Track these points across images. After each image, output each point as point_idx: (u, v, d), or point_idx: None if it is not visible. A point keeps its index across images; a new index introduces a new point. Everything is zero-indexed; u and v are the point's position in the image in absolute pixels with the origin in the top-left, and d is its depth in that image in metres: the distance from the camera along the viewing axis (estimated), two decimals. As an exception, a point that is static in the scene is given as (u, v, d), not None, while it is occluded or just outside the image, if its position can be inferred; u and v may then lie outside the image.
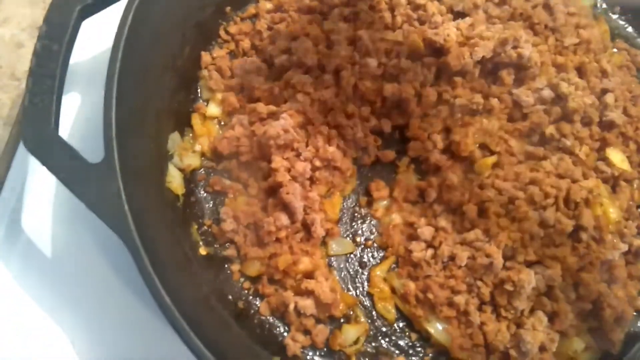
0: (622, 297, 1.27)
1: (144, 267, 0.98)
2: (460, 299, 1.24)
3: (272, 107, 1.35)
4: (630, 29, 1.64)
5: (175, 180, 1.32)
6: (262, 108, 1.35)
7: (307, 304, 1.24)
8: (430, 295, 1.26)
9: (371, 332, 1.30)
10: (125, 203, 1.02)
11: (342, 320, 1.29)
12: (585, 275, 1.26)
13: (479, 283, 1.25)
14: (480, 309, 1.26)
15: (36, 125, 1.08)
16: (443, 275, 1.28)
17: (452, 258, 1.28)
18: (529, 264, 1.26)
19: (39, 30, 1.15)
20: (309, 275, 1.27)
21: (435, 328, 1.26)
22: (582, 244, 1.27)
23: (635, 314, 1.30)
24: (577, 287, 1.27)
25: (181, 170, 1.35)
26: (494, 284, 1.26)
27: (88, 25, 1.22)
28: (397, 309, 1.31)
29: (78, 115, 1.44)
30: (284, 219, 1.26)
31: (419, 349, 1.29)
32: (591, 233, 1.27)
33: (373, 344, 1.29)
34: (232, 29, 1.51)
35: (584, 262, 1.26)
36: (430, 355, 1.28)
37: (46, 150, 1.07)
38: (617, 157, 1.38)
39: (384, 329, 1.30)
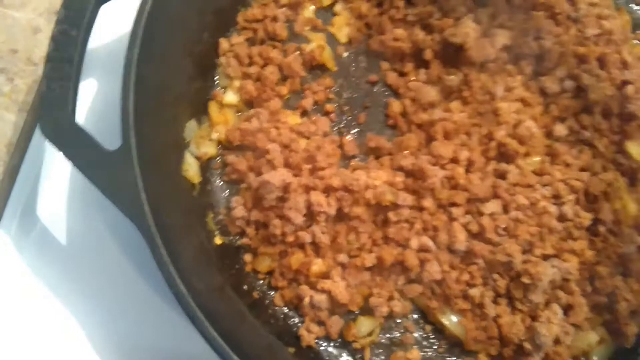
0: (638, 291, 1.26)
1: (160, 257, 0.98)
2: (475, 292, 1.24)
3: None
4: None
5: (191, 169, 1.32)
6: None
7: (322, 299, 1.23)
8: (445, 288, 1.25)
9: (386, 324, 1.29)
10: (142, 191, 1.02)
11: (357, 312, 1.28)
12: (601, 268, 1.25)
13: (495, 276, 1.24)
14: (495, 301, 1.25)
15: (53, 111, 1.08)
16: (459, 268, 1.26)
17: (468, 253, 1.26)
18: (546, 258, 1.24)
19: (57, 15, 1.14)
20: (324, 275, 1.26)
21: (450, 320, 1.26)
22: (600, 238, 1.26)
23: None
24: (592, 280, 1.25)
25: (197, 158, 1.35)
26: (511, 277, 1.24)
27: (106, 11, 1.21)
28: (412, 300, 1.30)
29: (95, 102, 1.44)
30: (291, 224, 1.24)
31: (433, 340, 1.28)
32: (610, 227, 1.26)
33: (387, 335, 1.29)
34: (248, 15, 1.49)
35: (601, 256, 1.25)
36: (444, 347, 1.28)
37: (63, 137, 1.07)
38: (636, 150, 1.35)
39: (398, 320, 1.29)
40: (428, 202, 1.26)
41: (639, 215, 1.29)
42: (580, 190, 1.27)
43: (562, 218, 1.26)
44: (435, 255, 1.25)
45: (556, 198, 1.27)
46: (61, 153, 1.06)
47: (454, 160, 1.29)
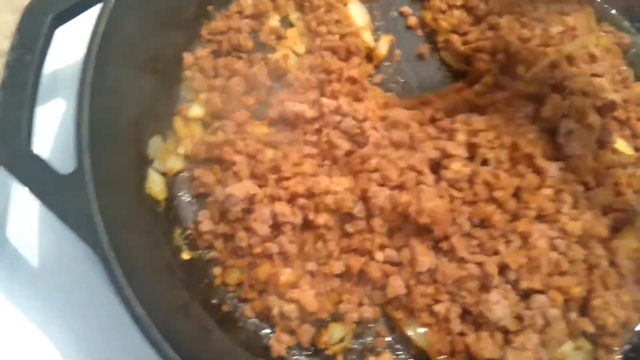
0: (628, 302, 1.26)
1: (116, 279, 0.99)
2: (440, 308, 1.22)
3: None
4: (614, 11, 1.61)
5: (155, 186, 1.32)
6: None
7: (291, 308, 1.24)
8: (410, 301, 1.24)
9: (358, 329, 1.29)
10: (97, 214, 1.02)
11: (328, 319, 1.28)
12: (594, 302, 1.25)
13: (464, 292, 1.23)
14: (462, 317, 1.24)
15: (8, 137, 1.08)
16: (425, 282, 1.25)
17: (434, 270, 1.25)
18: (529, 293, 1.23)
19: (11, 40, 1.15)
20: (293, 285, 1.26)
21: (415, 332, 1.26)
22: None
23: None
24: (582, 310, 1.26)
25: (163, 174, 1.35)
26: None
27: (62, 33, 1.21)
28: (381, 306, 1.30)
29: (53, 125, 1.44)
30: (257, 235, 1.25)
31: (406, 343, 1.29)
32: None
33: (360, 341, 1.29)
34: (212, 27, 1.50)
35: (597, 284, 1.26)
36: (415, 350, 1.28)
37: (18, 163, 1.07)
38: (621, 144, 1.38)
39: (370, 325, 1.29)
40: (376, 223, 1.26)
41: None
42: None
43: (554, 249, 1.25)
44: (401, 268, 1.25)
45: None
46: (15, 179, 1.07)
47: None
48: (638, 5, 1.60)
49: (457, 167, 1.26)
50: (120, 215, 1.11)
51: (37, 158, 1.07)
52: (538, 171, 1.27)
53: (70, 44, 1.32)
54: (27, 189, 1.06)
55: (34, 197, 1.05)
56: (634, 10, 1.60)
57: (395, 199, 1.22)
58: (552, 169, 1.27)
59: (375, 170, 1.27)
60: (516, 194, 1.27)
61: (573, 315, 1.24)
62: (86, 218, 1.02)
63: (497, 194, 1.24)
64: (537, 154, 1.27)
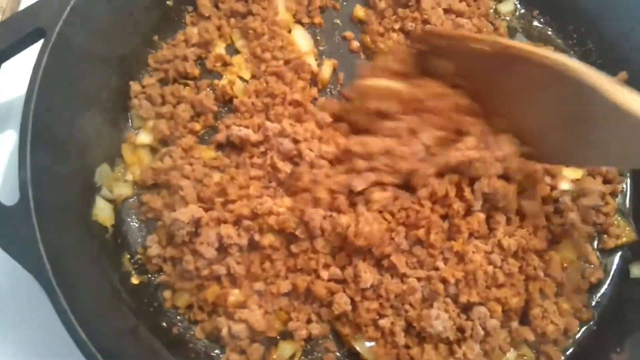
0: (567, 310, 1.33)
1: (60, 307, 1.02)
2: (384, 323, 1.26)
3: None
4: (550, 32, 1.68)
5: (102, 213, 1.34)
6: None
7: (240, 328, 1.27)
8: (355, 316, 1.27)
9: (308, 346, 1.32)
10: (41, 244, 1.05)
11: (278, 337, 1.31)
12: (533, 311, 1.30)
13: (407, 307, 1.27)
14: (407, 330, 1.28)
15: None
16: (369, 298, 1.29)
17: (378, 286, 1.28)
18: (470, 306, 1.28)
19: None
20: (241, 305, 1.28)
21: (362, 346, 1.29)
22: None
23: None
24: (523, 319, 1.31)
25: (111, 201, 1.37)
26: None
27: (7, 67, 1.25)
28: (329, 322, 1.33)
29: (12, 155, 1.46)
30: (203, 258, 1.27)
31: (355, 358, 1.32)
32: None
33: (309, 357, 1.33)
34: (158, 57, 1.53)
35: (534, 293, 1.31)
36: (365, 364, 1.31)
37: (-40, 197, 1.09)
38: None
39: (319, 342, 1.33)
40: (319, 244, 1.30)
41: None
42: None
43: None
44: (345, 286, 1.29)
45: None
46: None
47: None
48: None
49: (378, 197, 1.30)
50: (65, 244, 1.14)
51: (-19, 191, 1.09)
52: (465, 200, 1.32)
53: (19, 75, 1.33)
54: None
55: (-21, 229, 1.07)
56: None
57: (334, 221, 1.26)
58: (478, 201, 1.31)
59: (306, 190, 1.30)
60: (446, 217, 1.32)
61: (514, 324, 1.30)
62: (30, 248, 1.04)
63: (423, 223, 1.29)
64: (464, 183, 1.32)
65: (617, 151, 1.08)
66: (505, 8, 1.68)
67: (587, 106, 1.03)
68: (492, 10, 1.67)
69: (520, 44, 1.19)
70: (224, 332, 1.27)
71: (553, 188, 1.41)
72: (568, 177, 1.44)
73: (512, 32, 1.66)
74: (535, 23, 1.69)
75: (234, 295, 1.28)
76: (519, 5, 1.70)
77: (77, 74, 1.30)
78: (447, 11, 1.56)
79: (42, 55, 1.19)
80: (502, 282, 1.28)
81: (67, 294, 1.03)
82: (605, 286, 1.42)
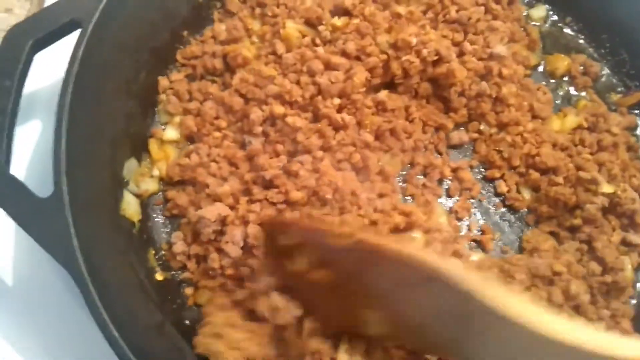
0: None
1: (92, 302, 1.01)
2: None
3: None
4: (581, 40, 1.67)
5: (130, 207, 1.34)
6: None
7: None
8: None
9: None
10: (74, 237, 1.04)
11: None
12: None
13: None
14: None
15: (-14, 163, 1.10)
16: None
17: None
18: None
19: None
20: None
21: None
22: None
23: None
24: None
25: (137, 196, 1.37)
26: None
27: (42, 56, 1.24)
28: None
29: (32, 147, 1.46)
30: (228, 257, 1.26)
31: None
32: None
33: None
34: (186, 52, 1.53)
35: None
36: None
37: (-3, 187, 1.09)
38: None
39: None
40: None
41: None
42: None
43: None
44: None
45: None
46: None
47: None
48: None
49: None
50: (96, 237, 1.13)
51: (15, 181, 1.09)
52: None
53: (47, 66, 1.35)
54: (4, 211, 1.08)
55: (12, 219, 1.07)
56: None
57: None
58: None
59: None
60: None
61: None
62: (63, 241, 1.04)
63: None
64: None
65: (497, 351, 0.95)
66: (537, 14, 1.67)
67: (465, 307, 0.91)
68: (524, 15, 1.65)
69: (388, 239, 1.01)
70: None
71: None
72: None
73: (542, 39, 1.64)
74: (567, 30, 1.68)
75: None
76: (550, 12, 1.69)
77: (110, 66, 1.29)
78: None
79: (79, 47, 1.18)
80: None
81: (99, 288, 1.02)
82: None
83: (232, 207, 1.30)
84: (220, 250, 1.26)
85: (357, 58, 1.42)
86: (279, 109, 1.35)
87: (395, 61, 1.40)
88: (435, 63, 1.40)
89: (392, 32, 1.42)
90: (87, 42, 1.19)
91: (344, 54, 1.42)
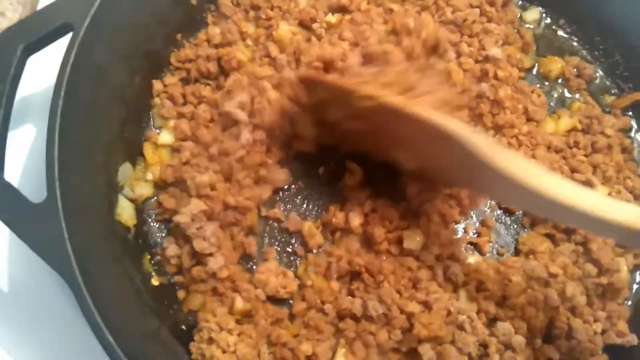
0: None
1: (87, 308, 1.00)
2: None
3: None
4: (575, 43, 1.67)
5: (125, 212, 1.33)
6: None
7: None
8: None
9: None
10: (68, 243, 1.03)
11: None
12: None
13: None
14: None
15: (-21, 167, 1.09)
16: None
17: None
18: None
19: (-18, 70, 1.17)
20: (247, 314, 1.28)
21: None
22: None
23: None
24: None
25: (132, 200, 1.36)
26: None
27: (34, 60, 1.23)
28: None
29: (25, 152, 1.45)
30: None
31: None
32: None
33: None
34: (180, 55, 1.52)
35: None
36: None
37: (-11, 192, 1.08)
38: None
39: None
40: None
41: None
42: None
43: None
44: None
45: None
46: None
47: None
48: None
49: None
50: (91, 243, 1.12)
51: (9, 186, 1.08)
52: None
53: (39, 70, 1.34)
54: (-3, 217, 1.07)
55: (5, 225, 1.06)
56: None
57: None
58: None
59: None
60: None
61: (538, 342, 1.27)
62: (57, 247, 1.03)
63: None
64: None
65: (503, 195, 1.18)
66: (530, 16, 1.66)
67: (471, 161, 1.04)
68: (517, 17, 1.65)
69: (406, 102, 1.13)
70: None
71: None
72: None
73: (536, 41, 1.64)
74: (560, 33, 1.67)
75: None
76: (544, 14, 1.68)
77: (103, 70, 1.29)
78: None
79: (71, 51, 1.17)
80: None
81: (94, 294, 1.01)
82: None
83: (211, 198, 1.30)
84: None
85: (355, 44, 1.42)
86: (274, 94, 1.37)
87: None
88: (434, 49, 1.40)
89: (389, 22, 1.42)
90: (79, 45, 1.19)
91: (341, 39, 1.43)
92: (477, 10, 1.52)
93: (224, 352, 1.19)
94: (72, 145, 1.14)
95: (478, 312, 1.25)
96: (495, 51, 1.45)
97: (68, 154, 1.12)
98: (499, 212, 1.44)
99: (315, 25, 1.50)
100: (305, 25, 1.53)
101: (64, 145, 1.11)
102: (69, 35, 1.21)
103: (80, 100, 1.19)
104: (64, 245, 1.03)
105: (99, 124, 1.29)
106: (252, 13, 1.57)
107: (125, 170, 1.37)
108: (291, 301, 1.32)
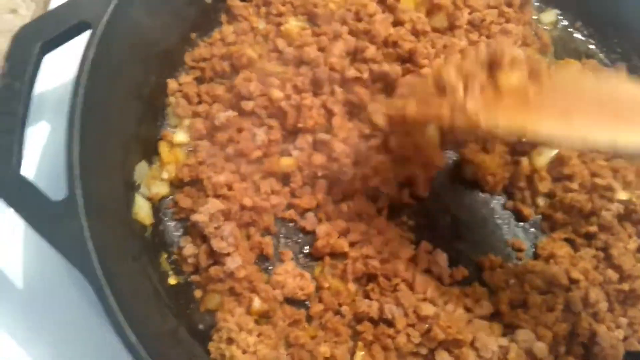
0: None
1: (109, 306, 0.99)
2: None
3: None
4: (592, 45, 1.66)
5: (142, 211, 1.32)
6: None
7: None
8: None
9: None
10: (89, 241, 1.02)
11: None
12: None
13: None
14: None
15: (-1, 164, 1.09)
16: None
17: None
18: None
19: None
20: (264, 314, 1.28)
21: None
22: None
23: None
24: None
25: (149, 199, 1.36)
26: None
27: (51, 57, 1.22)
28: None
29: (42, 149, 1.44)
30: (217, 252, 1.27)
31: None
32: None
33: None
34: (195, 55, 1.51)
35: None
36: None
37: (8, 189, 1.07)
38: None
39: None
40: None
41: None
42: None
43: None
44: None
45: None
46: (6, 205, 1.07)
47: None
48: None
49: None
50: (110, 242, 1.12)
51: (28, 184, 1.07)
52: None
53: (53, 68, 1.33)
54: (15, 214, 1.06)
55: (26, 223, 1.06)
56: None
57: None
58: None
59: None
60: None
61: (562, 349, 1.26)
62: (78, 245, 1.02)
63: None
64: None
65: None
66: (547, 18, 1.66)
67: None
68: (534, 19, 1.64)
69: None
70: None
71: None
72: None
73: (552, 44, 1.62)
74: (577, 35, 1.66)
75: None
76: (560, 17, 1.68)
77: (120, 69, 1.28)
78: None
79: (90, 48, 1.16)
80: None
81: (114, 292, 1.01)
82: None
83: (227, 198, 1.30)
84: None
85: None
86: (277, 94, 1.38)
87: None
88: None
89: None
90: (98, 44, 1.18)
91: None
92: (495, 10, 1.50)
93: (244, 352, 1.18)
94: (91, 143, 1.13)
95: (498, 316, 1.25)
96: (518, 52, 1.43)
97: (87, 152, 1.11)
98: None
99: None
100: (313, 20, 1.53)
101: (83, 144, 1.10)
102: (84, 34, 1.21)
103: (98, 98, 1.18)
104: (85, 244, 1.02)
105: (116, 122, 1.28)
106: (263, 9, 1.56)
107: (141, 168, 1.36)
108: (308, 303, 1.30)
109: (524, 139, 1.33)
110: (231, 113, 1.38)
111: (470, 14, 1.49)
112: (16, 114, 1.12)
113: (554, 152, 1.40)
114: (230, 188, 1.32)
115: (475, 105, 1.03)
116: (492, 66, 1.07)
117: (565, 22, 1.68)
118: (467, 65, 1.08)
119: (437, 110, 1.07)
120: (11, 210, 1.11)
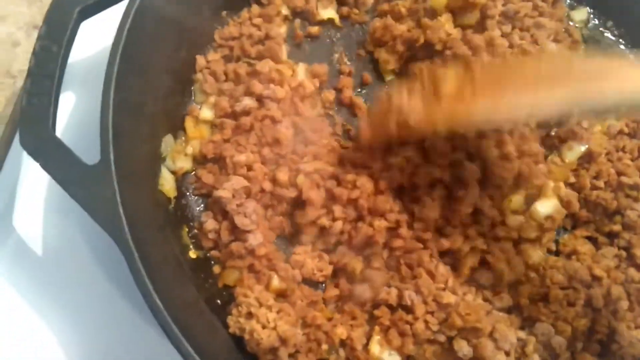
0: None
1: (138, 271, 1.00)
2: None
3: None
4: (622, 46, 1.65)
5: (167, 183, 1.33)
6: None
7: None
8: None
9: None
10: (120, 206, 1.03)
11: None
12: None
13: None
14: None
15: (34, 126, 1.09)
16: None
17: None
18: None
19: (38, 31, 1.16)
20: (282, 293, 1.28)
21: None
22: None
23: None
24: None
25: (173, 173, 1.36)
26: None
27: (87, 25, 1.22)
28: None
29: (74, 115, 1.45)
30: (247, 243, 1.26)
31: None
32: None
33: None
34: (224, 33, 1.51)
35: None
36: None
37: (43, 150, 1.08)
38: None
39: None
40: None
41: None
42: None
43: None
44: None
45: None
46: (40, 166, 1.08)
47: None
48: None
49: None
50: (138, 209, 1.12)
51: (63, 146, 1.08)
52: None
53: (86, 36, 1.33)
54: (51, 177, 1.07)
55: (58, 185, 1.06)
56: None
57: None
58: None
59: None
60: None
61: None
62: (109, 209, 1.03)
63: None
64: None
65: None
66: (578, 16, 1.64)
67: None
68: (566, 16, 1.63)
69: None
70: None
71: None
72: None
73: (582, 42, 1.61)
74: (608, 35, 1.65)
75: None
76: (591, 15, 1.67)
77: (154, 40, 1.28)
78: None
79: (127, 16, 1.17)
80: None
81: (143, 261, 1.02)
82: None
83: (249, 178, 1.31)
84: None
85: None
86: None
87: None
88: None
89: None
90: (135, 13, 1.18)
91: None
92: (530, 3, 1.50)
93: (263, 327, 1.18)
94: (123, 111, 1.14)
95: (517, 310, 1.25)
96: (551, 46, 1.43)
97: (120, 119, 1.12)
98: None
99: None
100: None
101: (116, 110, 1.11)
102: (120, 4, 1.22)
103: (133, 68, 1.19)
104: (117, 208, 1.03)
105: (148, 93, 1.29)
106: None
107: (167, 141, 1.37)
108: (324, 285, 1.31)
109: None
110: (250, 102, 1.38)
111: (504, 5, 1.48)
112: (53, 76, 1.12)
113: (584, 147, 1.40)
114: (250, 168, 1.32)
115: (416, 115, 1.14)
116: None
117: (596, 21, 1.66)
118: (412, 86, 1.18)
119: (387, 127, 1.20)
120: (33, 176, 1.11)
